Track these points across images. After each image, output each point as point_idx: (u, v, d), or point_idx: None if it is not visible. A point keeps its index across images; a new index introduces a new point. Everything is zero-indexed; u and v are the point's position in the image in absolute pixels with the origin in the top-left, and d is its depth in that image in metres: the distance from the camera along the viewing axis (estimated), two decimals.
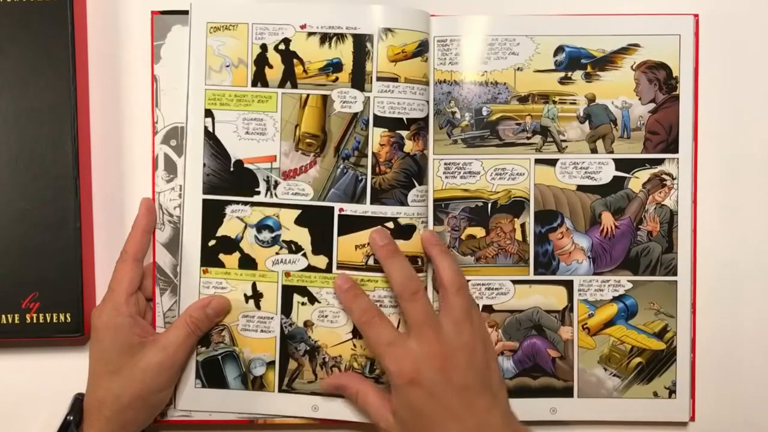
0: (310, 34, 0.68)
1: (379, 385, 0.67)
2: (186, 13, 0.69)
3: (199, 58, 0.69)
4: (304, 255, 0.69)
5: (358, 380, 0.67)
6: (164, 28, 0.70)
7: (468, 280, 0.69)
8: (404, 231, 0.68)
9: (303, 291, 0.69)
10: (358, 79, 0.68)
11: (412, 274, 0.65)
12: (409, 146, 0.68)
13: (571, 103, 0.70)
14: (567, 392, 0.70)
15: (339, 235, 0.69)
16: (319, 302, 0.69)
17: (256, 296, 0.69)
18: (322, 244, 0.69)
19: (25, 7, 0.68)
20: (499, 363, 0.68)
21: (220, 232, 0.69)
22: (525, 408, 0.69)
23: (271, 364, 0.69)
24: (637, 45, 0.69)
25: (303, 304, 0.69)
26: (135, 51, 0.71)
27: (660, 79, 0.69)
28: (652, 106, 0.70)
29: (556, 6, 0.71)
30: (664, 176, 0.70)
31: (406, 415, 0.62)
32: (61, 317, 0.68)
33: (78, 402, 0.67)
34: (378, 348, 0.64)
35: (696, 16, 0.70)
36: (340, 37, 0.68)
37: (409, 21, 0.68)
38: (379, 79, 0.68)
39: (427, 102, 0.69)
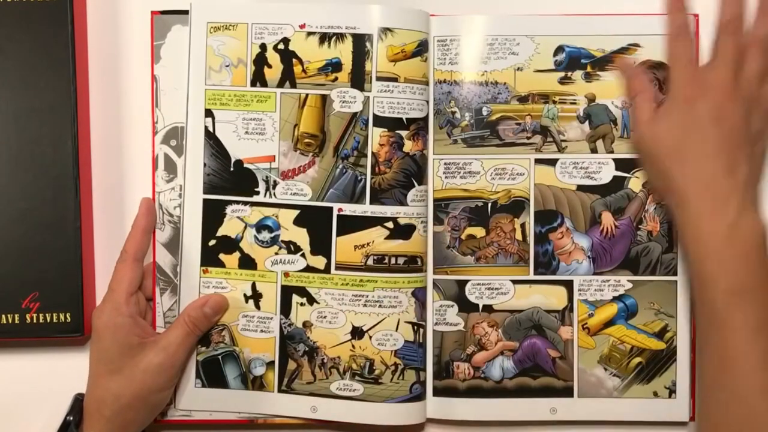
0: (309, 33, 0.68)
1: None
2: (186, 13, 0.69)
3: (199, 58, 0.69)
4: (303, 255, 0.69)
5: (646, 85, 0.67)
6: (164, 28, 0.70)
7: (467, 280, 0.69)
8: (404, 231, 0.68)
9: (302, 291, 0.69)
10: (358, 79, 0.68)
11: (742, 18, 0.66)
12: (408, 146, 0.68)
13: (571, 103, 0.70)
14: (567, 392, 0.70)
15: (338, 235, 0.69)
16: (317, 303, 0.69)
17: (256, 296, 0.69)
18: (321, 245, 0.69)
19: (25, 7, 0.68)
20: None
21: (221, 232, 0.69)
22: (525, 408, 0.70)
23: (270, 364, 0.69)
24: (637, 45, 0.69)
25: (302, 304, 0.69)
26: (135, 51, 0.71)
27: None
28: None
29: (556, 6, 0.71)
30: None
31: (663, 128, 0.63)
32: (61, 317, 0.68)
33: (78, 402, 0.67)
34: (676, 60, 0.65)
35: (696, 16, 0.70)
36: (340, 36, 0.68)
37: (408, 21, 0.68)
38: (378, 78, 0.68)
39: (427, 102, 0.69)
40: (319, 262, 0.69)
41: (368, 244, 0.68)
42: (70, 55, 0.68)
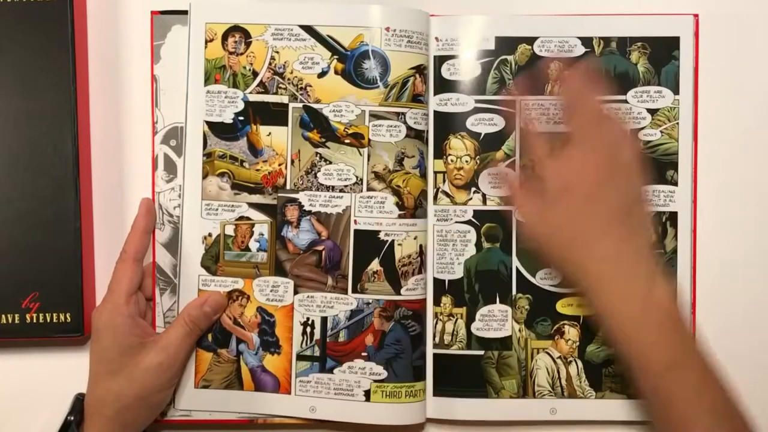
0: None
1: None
2: (185, 13, 0.69)
3: (198, 59, 0.69)
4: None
5: (517, 194, 0.67)
6: (164, 28, 0.70)
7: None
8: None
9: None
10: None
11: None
12: None
13: None
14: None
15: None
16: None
17: None
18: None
19: (25, 7, 0.68)
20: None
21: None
22: (525, 408, 0.70)
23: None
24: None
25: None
26: (135, 51, 0.71)
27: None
28: None
29: (556, 6, 0.71)
30: None
31: (549, 222, 0.63)
32: (61, 317, 0.68)
33: (79, 402, 0.67)
34: (539, 154, 0.64)
35: (696, 16, 0.70)
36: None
37: (408, 21, 0.68)
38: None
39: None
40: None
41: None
42: (70, 55, 0.68)
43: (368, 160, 0.69)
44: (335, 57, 0.69)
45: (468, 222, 0.70)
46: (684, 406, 0.59)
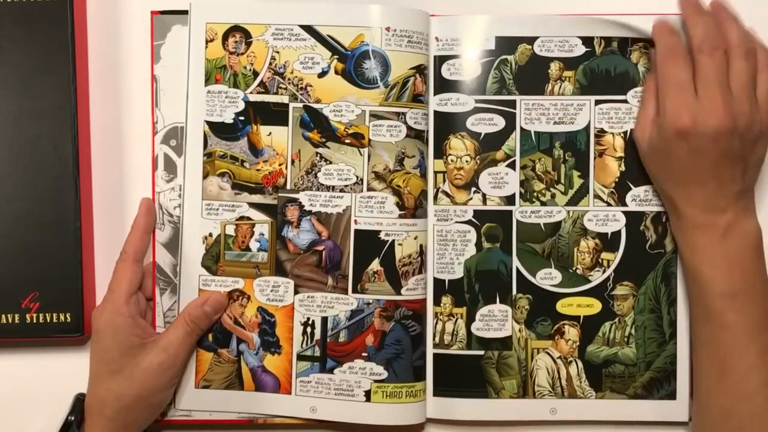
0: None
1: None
2: (185, 13, 0.69)
3: (198, 59, 0.69)
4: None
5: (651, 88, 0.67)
6: (164, 28, 0.70)
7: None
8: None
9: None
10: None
11: (717, 33, 0.64)
12: None
13: None
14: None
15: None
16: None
17: None
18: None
19: (25, 7, 0.68)
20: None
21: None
22: (525, 408, 0.70)
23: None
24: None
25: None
26: (135, 51, 0.71)
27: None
28: None
29: (556, 6, 0.71)
30: None
31: (657, 152, 0.64)
32: (61, 317, 0.68)
33: (79, 402, 0.67)
34: (666, 85, 0.64)
35: None
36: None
37: (408, 21, 0.68)
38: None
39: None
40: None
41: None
42: (70, 55, 0.68)
43: (368, 160, 0.69)
44: (335, 57, 0.69)
45: (468, 222, 0.70)
46: (735, 338, 0.60)
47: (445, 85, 0.70)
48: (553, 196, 0.70)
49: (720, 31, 0.64)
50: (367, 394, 0.68)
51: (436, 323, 0.70)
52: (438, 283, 0.70)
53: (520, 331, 0.70)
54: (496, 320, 0.70)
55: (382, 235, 0.68)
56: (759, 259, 0.63)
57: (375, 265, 0.69)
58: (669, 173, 0.65)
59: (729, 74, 0.63)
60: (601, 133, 0.70)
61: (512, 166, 0.70)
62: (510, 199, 0.70)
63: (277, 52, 0.69)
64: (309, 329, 0.69)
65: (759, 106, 0.63)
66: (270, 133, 0.69)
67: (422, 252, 0.69)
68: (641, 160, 0.68)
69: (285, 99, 0.69)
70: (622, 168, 0.69)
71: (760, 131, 0.63)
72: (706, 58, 0.63)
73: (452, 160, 0.70)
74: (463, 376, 0.70)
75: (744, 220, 0.63)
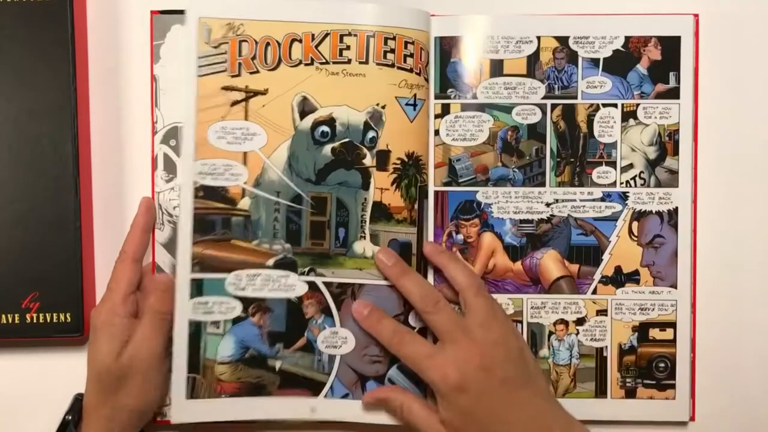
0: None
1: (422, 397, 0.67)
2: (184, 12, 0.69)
3: (191, 57, 0.68)
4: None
5: (401, 392, 0.67)
6: (164, 28, 0.70)
7: None
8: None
9: None
10: None
11: (429, 286, 0.66)
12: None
13: None
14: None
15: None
16: None
17: None
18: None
19: (25, 7, 0.68)
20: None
21: None
22: None
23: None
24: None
25: None
26: (135, 51, 0.71)
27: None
28: None
29: (556, 6, 0.71)
30: None
31: (456, 421, 0.62)
32: (61, 317, 0.68)
33: (77, 402, 0.67)
34: (418, 362, 0.64)
35: (696, 16, 0.70)
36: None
37: (409, 20, 0.68)
38: None
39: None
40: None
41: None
42: (70, 55, 0.68)
43: None
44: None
45: None
46: None
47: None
48: None
49: (430, 287, 0.66)
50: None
51: None
52: None
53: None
54: None
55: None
56: None
57: None
58: (478, 429, 0.63)
59: (469, 313, 0.64)
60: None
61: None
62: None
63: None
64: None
65: (508, 332, 0.64)
66: None
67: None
68: None
69: None
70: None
71: (519, 345, 0.64)
72: (432, 316, 0.64)
73: None
74: None
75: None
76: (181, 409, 0.67)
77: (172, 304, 0.66)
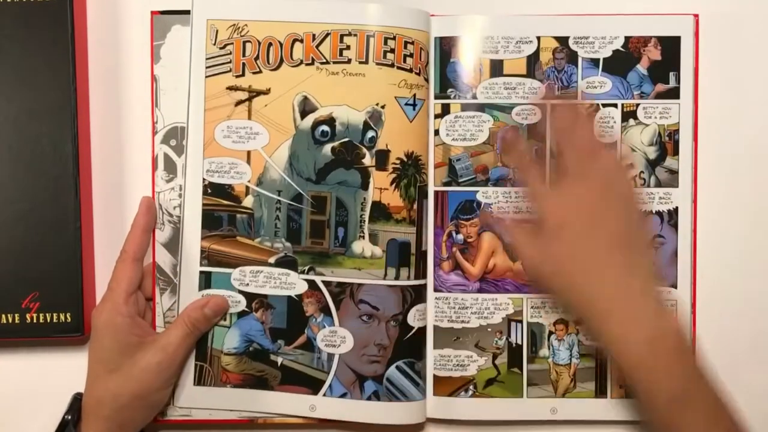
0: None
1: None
2: (186, 13, 0.69)
3: (200, 57, 0.69)
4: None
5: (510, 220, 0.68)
6: (164, 28, 0.70)
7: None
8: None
9: None
10: None
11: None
12: None
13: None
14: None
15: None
16: None
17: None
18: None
19: (25, 7, 0.68)
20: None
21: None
22: (525, 408, 0.70)
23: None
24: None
25: None
26: (135, 51, 0.71)
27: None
28: None
29: (556, 6, 0.71)
30: None
31: (549, 259, 0.61)
32: (61, 317, 0.68)
33: (76, 401, 0.67)
34: (534, 190, 0.64)
35: (696, 16, 0.70)
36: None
37: (409, 20, 0.68)
38: None
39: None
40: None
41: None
42: (70, 55, 0.68)
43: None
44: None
45: None
46: None
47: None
48: None
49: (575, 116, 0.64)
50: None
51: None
52: None
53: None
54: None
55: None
56: (691, 357, 0.60)
57: None
58: (568, 277, 0.61)
59: (594, 161, 0.62)
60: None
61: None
62: None
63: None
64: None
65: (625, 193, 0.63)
66: None
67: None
68: (540, 286, 0.65)
69: None
70: None
71: (635, 214, 0.63)
72: (567, 148, 0.63)
73: None
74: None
75: (665, 316, 0.60)
76: (188, 394, 0.69)
77: (209, 326, 0.68)
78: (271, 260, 0.69)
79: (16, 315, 0.68)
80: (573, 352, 0.70)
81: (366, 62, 0.68)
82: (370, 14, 0.68)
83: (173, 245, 0.70)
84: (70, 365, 0.70)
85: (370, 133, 0.68)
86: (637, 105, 0.69)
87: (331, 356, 0.69)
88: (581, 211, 0.61)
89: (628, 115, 0.70)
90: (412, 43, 0.68)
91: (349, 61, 0.68)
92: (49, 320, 0.68)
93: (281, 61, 0.68)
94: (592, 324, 0.60)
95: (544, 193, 0.63)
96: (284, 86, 0.68)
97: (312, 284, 0.68)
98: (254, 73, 0.68)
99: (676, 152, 0.70)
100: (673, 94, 0.70)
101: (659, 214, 0.70)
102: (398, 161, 0.68)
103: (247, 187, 0.69)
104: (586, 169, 0.62)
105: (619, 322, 0.59)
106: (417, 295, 0.69)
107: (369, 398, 0.68)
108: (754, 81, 0.71)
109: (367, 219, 0.69)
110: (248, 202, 0.69)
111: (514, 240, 0.66)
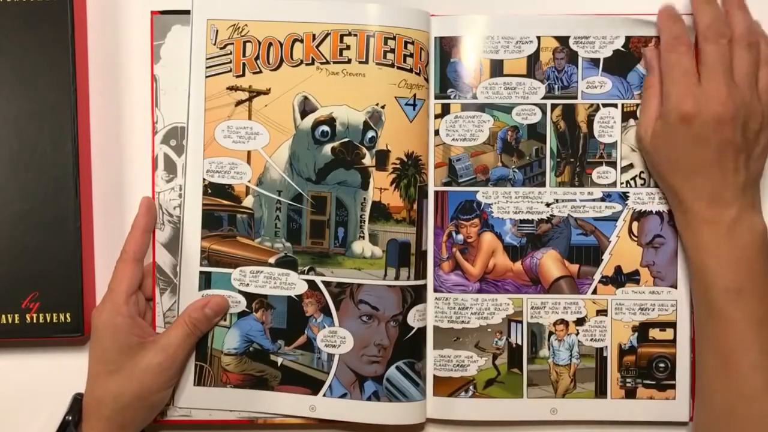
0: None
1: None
2: (186, 13, 0.69)
3: (200, 57, 0.69)
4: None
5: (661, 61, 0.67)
6: (164, 28, 0.70)
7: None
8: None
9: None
10: None
11: (723, 22, 0.64)
12: None
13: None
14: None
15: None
16: None
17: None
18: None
19: (25, 7, 0.68)
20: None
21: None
22: (525, 408, 0.70)
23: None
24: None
25: None
26: (135, 51, 0.71)
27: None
28: None
29: (556, 6, 0.71)
30: None
31: (662, 142, 0.64)
32: (61, 317, 0.68)
33: (77, 402, 0.67)
34: (671, 72, 0.64)
35: None
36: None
37: (409, 20, 0.68)
38: None
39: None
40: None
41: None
42: (70, 55, 0.68)
43: None
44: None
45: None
46: (739, 335, 0.61)
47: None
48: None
49: (726, 20, 0.64)
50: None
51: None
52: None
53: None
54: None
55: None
56: (764, 256, 0.63)
57: None
58: (673, 164, 0.64)
59: (733, 64, 0.63)
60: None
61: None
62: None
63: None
64: None
65: (760, 97, 0.64)
66: None
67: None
68: (645, 160, 0.68)
69: None
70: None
71: (761, 123, 0.63)
72: (711, 46, 0.63)
73: None
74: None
75: (750, 216, 0.63)
76: (188, 394, 0.69)
77: (210, 326, 0.68)
78: (271, 260, 0.69)
79: (16, 315, 0.68)
80: (573, 352, 0.70)
81: (366, 62, 0.68)
82: (370, 14, 0.68)
83: (173, 245, 0.70)
84: (70, 365, 0.70)
85: (370, 133, 0.68)
86: (637, 105, 0.69)
87: (331, 356, 0.69)
88: (709, 112, 0.62)
89: (628, 115, 0.70)
90: (412, 43, 0.68)
91: (349, 61, 0.68)
92: (49, 320, 0.68)
93: (281, 61, 0.68)
94: (675, 207, 0.66)
95: (683, 81, 0.63)
96: (284, 86, 0.68)
97: (312, 284, 0.68)
98: (254, 73, 0.68)
99: None
100: None
101: (659, 214, 0.70)
102: (398, 161, 0.68)
103: (247, 187, 0.69)
104: (729, 66, 0.63)
105: (701, 212, 0.63)
106: (417, 296, 0.69)
107: (369, 398, 0.68)
108: None
109: (367, 219, 0.69)
110: (248, 202, 0.69)
111: (646, 93, 0.67)
